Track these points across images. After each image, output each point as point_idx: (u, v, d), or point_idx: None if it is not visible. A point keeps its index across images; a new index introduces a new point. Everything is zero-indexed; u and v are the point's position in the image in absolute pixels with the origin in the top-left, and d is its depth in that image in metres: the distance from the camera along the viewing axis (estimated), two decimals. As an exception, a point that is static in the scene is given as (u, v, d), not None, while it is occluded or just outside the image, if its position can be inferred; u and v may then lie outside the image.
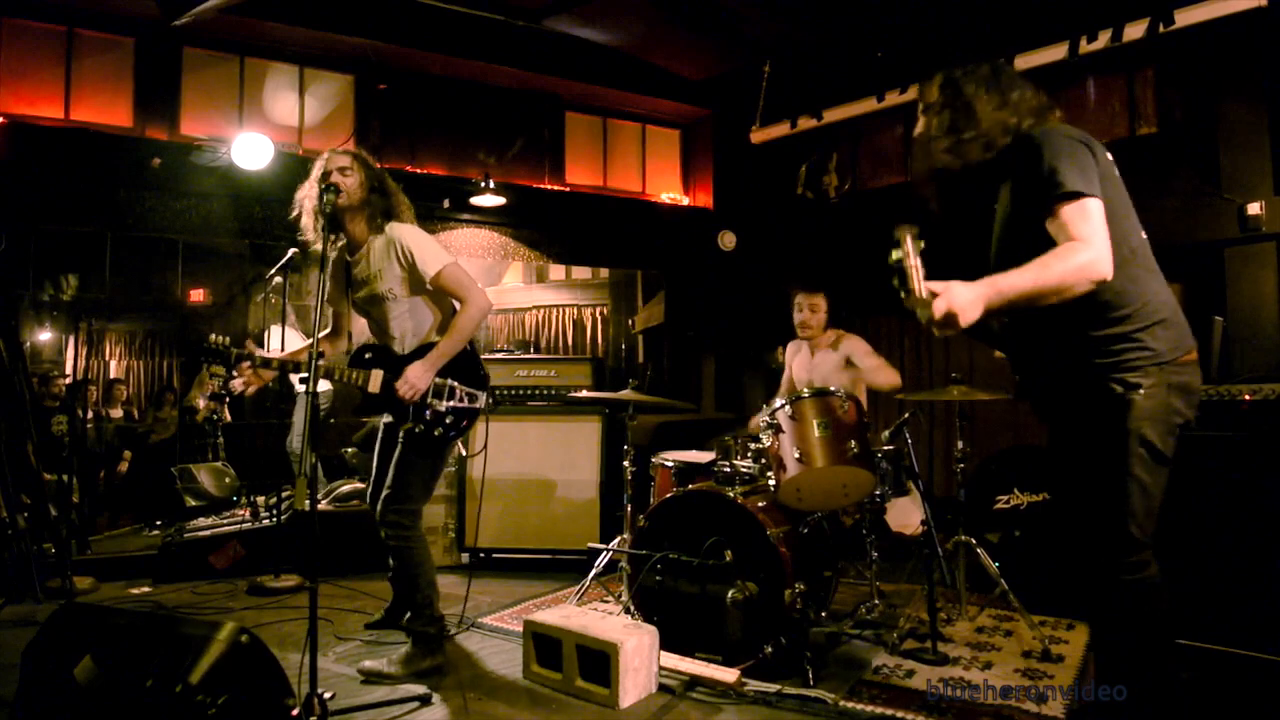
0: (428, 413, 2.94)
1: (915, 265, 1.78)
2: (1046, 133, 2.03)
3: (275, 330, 5.47)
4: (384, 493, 2.97)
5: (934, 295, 1.78)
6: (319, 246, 2.98)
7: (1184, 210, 4.78)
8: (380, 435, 3.24)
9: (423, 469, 3.00)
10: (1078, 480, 2.03)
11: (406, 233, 3.00)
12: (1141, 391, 1.91)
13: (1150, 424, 1.91)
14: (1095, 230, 1.86)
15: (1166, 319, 1.97)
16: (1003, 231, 2.13)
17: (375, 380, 2.94)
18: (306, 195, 3.03)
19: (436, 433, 2.96)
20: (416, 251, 2.95)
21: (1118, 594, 1.94)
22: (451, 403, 2.97)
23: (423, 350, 2.96)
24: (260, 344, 6.04)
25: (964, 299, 1.79)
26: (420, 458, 2.98)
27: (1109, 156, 2.06)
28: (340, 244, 3.10)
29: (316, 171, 3.00)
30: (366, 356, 3.01)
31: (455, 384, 2.98)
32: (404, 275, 2.97)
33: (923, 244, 1.79)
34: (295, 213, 3.08)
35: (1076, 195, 1.88)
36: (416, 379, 2.88)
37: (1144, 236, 2.06)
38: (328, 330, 3.30)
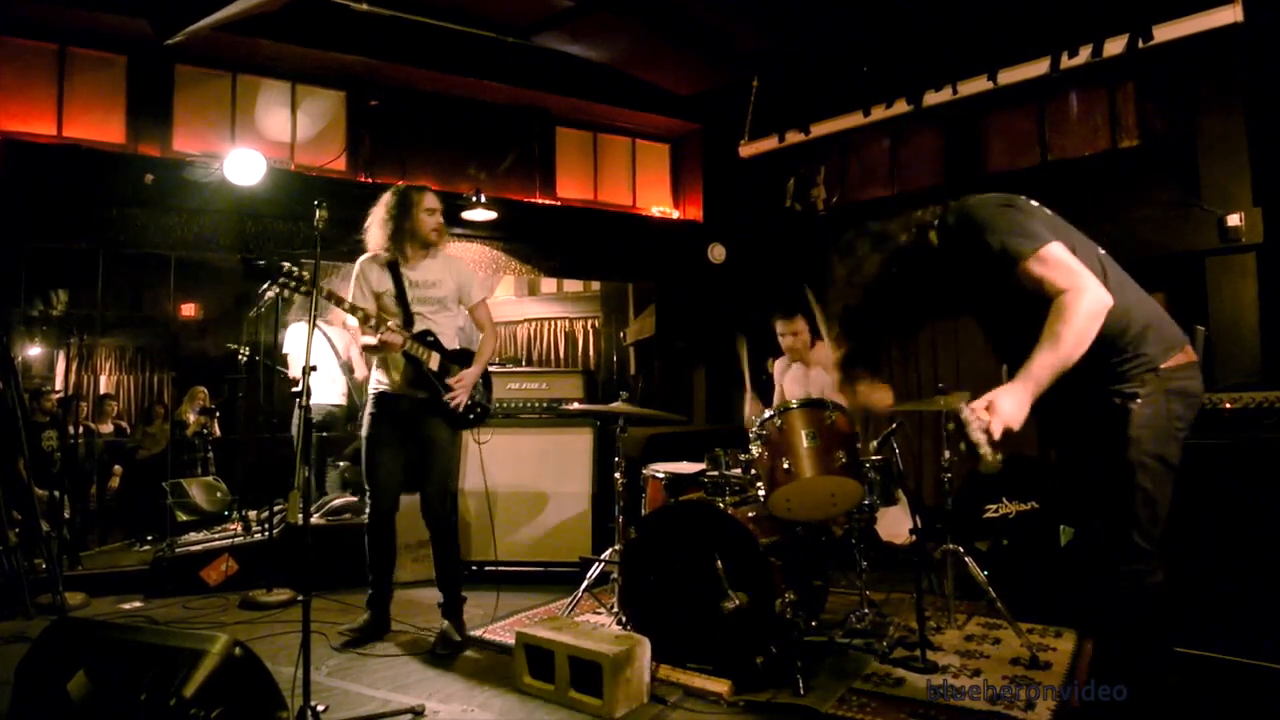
0: (469, 399, 3.63)
1: (981, 440, 1.80)
2: (965, 209, 2.08)
3: (297, 330, 5.47)
4: (429, 490, 3.51)
5: (990, 434, 1.80)
6: (386, 255, 3.56)
7: (1165, 221, 4.85)
8: (378, 441, 3.53)
9: (455, 455, 3.78)
10: (1085, 492, 2.06)
11: (463, 263, 3.99)
12: (1139, 400, 1.94)
13: (1151, 431, 1.94)
14: (1071, 269, 1.90)
15: (1150, 323, 2.00)
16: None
17: (434, 360, 3.54)
18: (388, 214, 3.56)
19: (472, 416, 3.65)
20: (471, 280, 3.77)
21: (1119, 600, 1.98)
22: (483, 393, 3.74)
23: (464, 353, 3.65)
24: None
25: (1011, 410, 1.82)
26: (453, 445, 3.67)
27: (1034, 202, 2.10)
28: (391, 253, 3.60)
29: (426, 201, 3.57)
30: (429, 339, 3.57)
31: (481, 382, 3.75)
32: (457, 292, 3.69)
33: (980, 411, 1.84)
34: (368, 225, 3.61)
35: (1031, 251, 1.92)
36: (471, 380, 3.58)
37: (1102, 251, 2.10)
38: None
